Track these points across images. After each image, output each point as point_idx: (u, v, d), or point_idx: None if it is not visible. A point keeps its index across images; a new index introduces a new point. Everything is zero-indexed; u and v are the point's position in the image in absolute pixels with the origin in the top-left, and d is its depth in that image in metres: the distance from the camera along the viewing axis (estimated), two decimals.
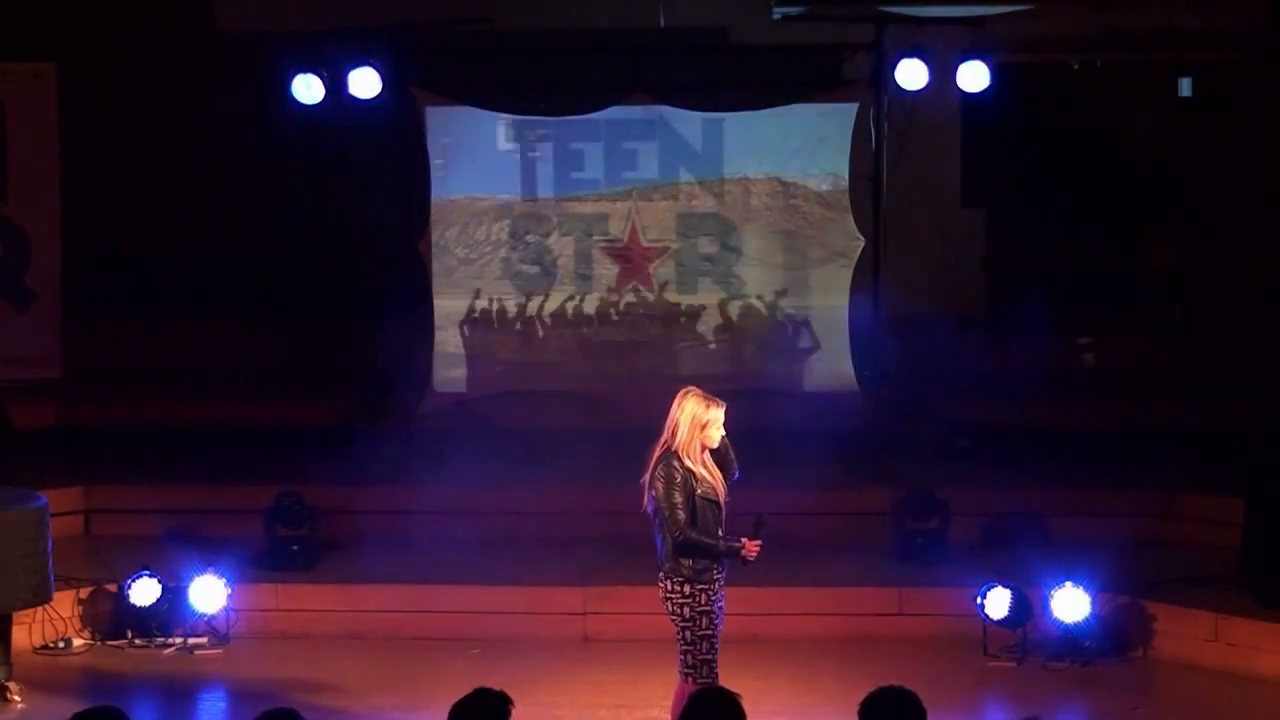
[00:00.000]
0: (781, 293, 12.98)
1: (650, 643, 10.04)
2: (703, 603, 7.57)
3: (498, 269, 13.11)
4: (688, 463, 7.54)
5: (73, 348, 13.35)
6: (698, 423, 7.55)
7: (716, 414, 7.59)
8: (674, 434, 7.57)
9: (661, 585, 7.64)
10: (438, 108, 12.98)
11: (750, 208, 12.98)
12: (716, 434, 7.61)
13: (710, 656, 7.59)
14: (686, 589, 7.55)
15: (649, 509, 7.65)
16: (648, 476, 7.62)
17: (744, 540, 7.56)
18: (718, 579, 7.62)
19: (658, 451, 7.61)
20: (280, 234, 15.33)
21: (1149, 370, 14.10)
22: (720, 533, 7.59)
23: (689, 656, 7.60)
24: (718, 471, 7.66)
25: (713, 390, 7.73)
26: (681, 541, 7.49)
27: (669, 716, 7.85)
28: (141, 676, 9.80)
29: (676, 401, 7.63)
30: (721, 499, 7.62)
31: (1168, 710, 9.09)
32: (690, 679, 7.57)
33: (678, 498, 7.50)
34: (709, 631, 7.60)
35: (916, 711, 5.24)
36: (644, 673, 9.54)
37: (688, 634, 7.59)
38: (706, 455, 7.61)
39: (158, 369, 14.14)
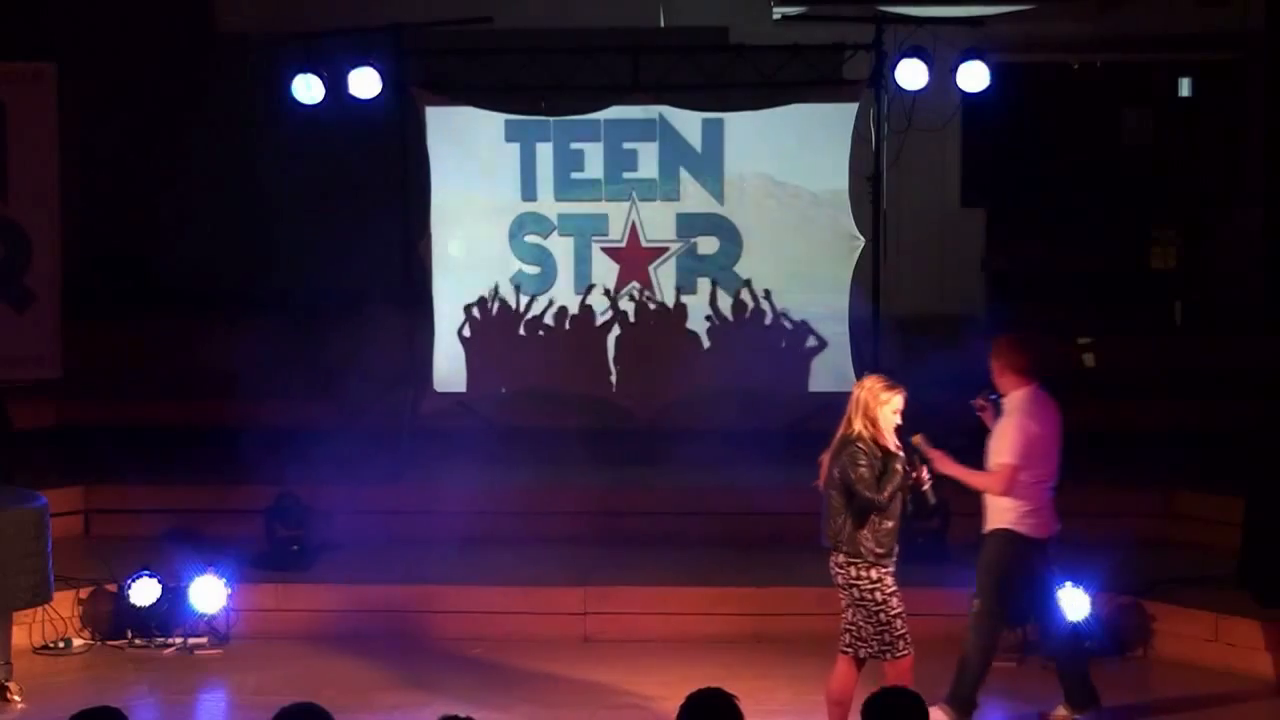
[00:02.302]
0: (781, 293, 12.95)
1: (650, 643, 10.08)
2: (889, 585, 7.81)
3: (497, 269, 13.09)
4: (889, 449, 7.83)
5: (73, 348, 13.32)
6: (896, 410, 7.84)
7: (900, 400, 7.87)
8: (874, 424, 7.78)
9: (842, 572, 7.81)
10: (438, 108, 12.97)
11: (750, 208, 12.94)
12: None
13: (905, 630, 7.83)
14: (874, 573, 7.78)
15: (836, 483, 7.80)
16: (829, 456, 7.85)
17: (913, 475, 7.88)
18: (895, 559, 7.87)
19: (865, 431, 7.79)
20: (280, 234, 15.34)
21: (1149, 370, 14.09)
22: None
23: (885, 635, 7.79)
24: None
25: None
26: (874, 503, 7.71)
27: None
28: (141, 676, 9.80)
29: (869, 393, 7.84)
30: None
31: (1168, 710, 9.08)
32: (887, 655, 7.79)
33: (869, 477, 7.73)
34: (901, 609, 7.83)
35: (918, 711, 5.25)
36: (644, 673, 9.55)
37: (881, 615, 7.79)
38: None
39: (158, 369, 14.13)
